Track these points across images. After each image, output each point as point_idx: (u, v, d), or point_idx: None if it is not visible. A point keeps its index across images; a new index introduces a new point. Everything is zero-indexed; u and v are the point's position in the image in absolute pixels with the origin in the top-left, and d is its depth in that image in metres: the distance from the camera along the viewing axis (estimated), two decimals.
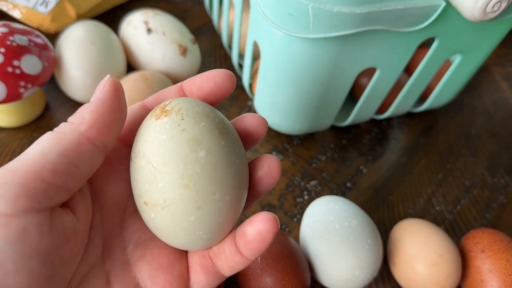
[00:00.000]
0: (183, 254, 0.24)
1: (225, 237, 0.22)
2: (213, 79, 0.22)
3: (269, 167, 0.23)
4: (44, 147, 0.18)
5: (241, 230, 0.21)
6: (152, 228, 0.22)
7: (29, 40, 0.38)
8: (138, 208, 0.22)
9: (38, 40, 0.38)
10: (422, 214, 0.40)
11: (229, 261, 0.22)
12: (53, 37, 0.44)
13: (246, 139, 0.24)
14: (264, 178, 0.23)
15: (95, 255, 0.21)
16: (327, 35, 0.30)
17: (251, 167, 0.23)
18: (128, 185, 0.23)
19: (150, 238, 0.23)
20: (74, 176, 0.19)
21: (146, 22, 0.42)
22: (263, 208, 0.39)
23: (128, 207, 0.23)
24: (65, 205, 0.20)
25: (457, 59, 0.40)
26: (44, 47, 0.39)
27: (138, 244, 0.23)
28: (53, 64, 0.39)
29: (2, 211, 0.17)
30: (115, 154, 0.23)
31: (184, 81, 0.23)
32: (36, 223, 0.17)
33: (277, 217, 0.20)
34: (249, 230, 0.20)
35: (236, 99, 0.47)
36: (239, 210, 0.22)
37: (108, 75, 0.21)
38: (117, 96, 0.20)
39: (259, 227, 0.20)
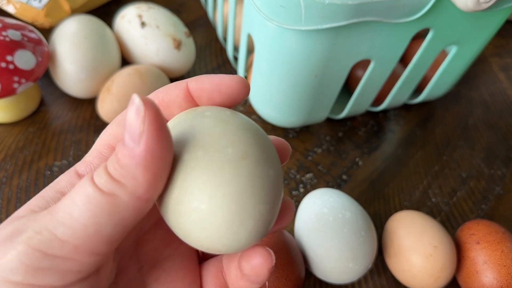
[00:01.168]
0: (198, 275, 0.23)
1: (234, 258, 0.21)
2: (225, 92, 0.19)
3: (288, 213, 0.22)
4: (97, 218, 0.15)
5: (240, 259, 0.20)
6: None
7: (23, 35, 0.37)
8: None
9: (32, 35, 0.38)
10: (418, 206, 0.40)
11: (236, 284, 0.21)
12: (47, 32, 0.44)
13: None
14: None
15: (109, 278, 0.20)
16: (319, 27, 0.30)
17: None
18: None
19: (165, 258, 0.23)
20: (121, 239, 0.17)
21: (140, 16, 0.42)
22: None
23: (142, 227, 0.22)
24: None
25: (452, 50, 0.40)
26: (38, 42, 0.39)
27: (154, 266, 0.22)
28: (47, 59, 0.39)
29: (50, 284, 0.15)
30: None
31: (190, 80, 0.20)
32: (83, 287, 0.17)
33: (272, 252, 0.19)
34: (243, 265, 0.20)
35: None
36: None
37: (137, 98, 0.15)
38: (165, 138, 0.16)
39: (252, 262, 0.19)
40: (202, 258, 0.24)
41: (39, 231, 0.15)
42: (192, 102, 0.20)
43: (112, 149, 0.20)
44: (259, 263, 0.19)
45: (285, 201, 0.22)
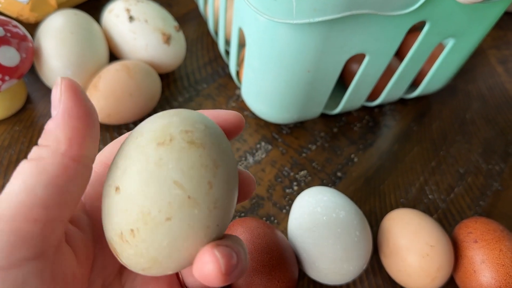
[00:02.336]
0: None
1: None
2: (222, 126, 0.21)
3: (244, 185, 0.22)
4: (27, 182, 0.16)
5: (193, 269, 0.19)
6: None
7: (6, 31, 0.36)
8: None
9: (16, 30, 0.37)
10: (415, 203, 0.39)
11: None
12: (33, 27, 0.43)
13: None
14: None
15: (68, 267, 0.19)
16: (311, 20, 0.29)
17: None
18: None
19: (150, 279, 0.22)
20: (67, 203, 0.17)
21: (128, 10, 0.41)
22: (251, 200, 0.38)
23: None
24: (67, 242, 0.18)
25: (450, 43, 0.38)
26: (22, 38, 0.37)
27: (137, 284, 0.22)
28: (32, 55, 0.38)
29: None
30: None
31: None
32: (37, 271, 0.16)
33: (218, 256, 0.18)
34: (196, 275, 0.18)
35: (224, 87, 0.45)
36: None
37: (59, 77, 0.18)
38: (80, 99, 0.18)
39: (201, 273, 0.18)
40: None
41: None
42: None
43: (106, 166, 0.22)
44: (207, 272, 0.17)
45: (245, 176, 0.22)
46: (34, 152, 0.17)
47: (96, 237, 0.21)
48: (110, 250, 0.21)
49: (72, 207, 0.18)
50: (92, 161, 0.18)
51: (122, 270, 0.22)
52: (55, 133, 0.17)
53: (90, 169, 0.18)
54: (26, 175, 0.16)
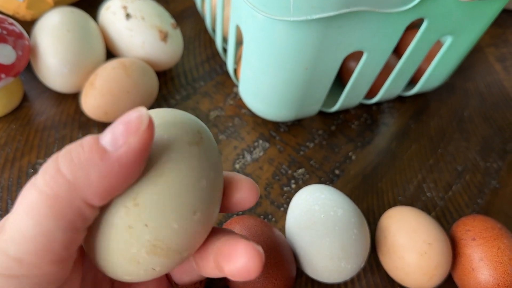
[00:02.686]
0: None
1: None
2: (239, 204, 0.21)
3: (248, 193, 0.20)
4: (44, 225, 0.14)
5: (219, 259, 0.18)
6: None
7: (2, 28, 0.36)
8: None
9: (12, 28, 0.37)
10: (412, 201, 0.39)
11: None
12: (29, 24, 0.42)
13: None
14: (240, 202, 0.21)
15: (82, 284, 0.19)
16: (309, 17, 0.29)
17: (227, 184, 0.21)
18: None
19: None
20: (80, 240, 0.16)
21: (124, 7, 0.40)
22: None
23: None
24: None
25: (448, 40, 0.38)
26: (18, 36, 0.37)
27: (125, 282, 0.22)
28: (28, 53, 0.37)
29: None
30: None
31: None
32: None
33: (261, 249, 0.17)
34: (227, 269, 0.17)
35: (222, 85, 0.45)
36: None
37: (144, 109, 0.15)
38: (145, 155, 0.15)
39: (239, 264, 0.17)
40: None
41: None
42: None
43: None
44: (243, 264, 0.17)
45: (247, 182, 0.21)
46: (51, 182, 0.15)
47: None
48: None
49: (79, 244, 0.17)
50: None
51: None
52: (88, 170, 0.14)
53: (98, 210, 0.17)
54: (42, 216, 0.14)
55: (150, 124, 0.15)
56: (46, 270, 0.15)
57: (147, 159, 0.16)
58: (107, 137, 0.15)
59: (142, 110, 0.15)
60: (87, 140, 0.15)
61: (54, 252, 0.15)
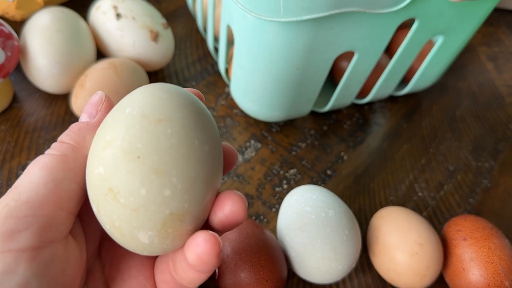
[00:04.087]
0: (152, 272, 0.23)
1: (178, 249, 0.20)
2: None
3: (232, 207, 0.19)
4: (54, 174, 0.18)
5: (185, 249, 0.19)
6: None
7: None
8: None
9: (1, 29, 0.37)
10: (404, 201, 0.39)
11: (184, 276, 0.20)
12: (19, 25, 0.42)
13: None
14: (225, 220, 0.19)
15: (76, 260, 0.20)
16: (299, 18, 0.29)
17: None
18: None
19: (122, 256, 0.23)
20: (82, 200, 0.19)
21: (115, 7, 0.40)
22: None
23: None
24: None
25: (439, 40, 0.38)
26: (7, 36, 0.37)
27: (112, 265, 0.23)
28: (17, 54, 0.37)
29: (30, 244, 0.16)
30: None
31: None
32: (60, 253, 0.18)
33: (217, 236, 0.18)
34: (188, 255, 0.18)
35: (213, 85, 0.45)
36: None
37: (101, 92, 0.21)
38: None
39: (196, 251, 0.18)
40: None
41: (6, 203, 0.17)
42: None
43: None
44: (204, 250, 0.17)
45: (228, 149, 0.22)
46: (57, 148, 0.19)
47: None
48: (90, 232, 0.22)
49: (81, 204, 0.20)
50: None
51: (100, 251, 0.23)
52: (83, 134, 0.19)
53: None
54: (53, 168, 0.18)
55: (107, 100, 0.21)
56: (52, 212, 0.17)
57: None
58: (84, 115, 0.21)
59: (100, 93, 0.21)
60: (72, 124, 0.20)
61: (60, 198, 0.18)
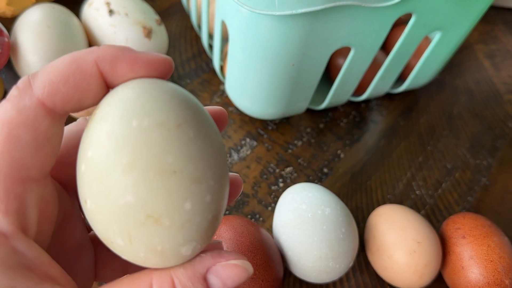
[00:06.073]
0: None
1: None
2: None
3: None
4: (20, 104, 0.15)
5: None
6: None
7: None
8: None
9: None
10: (402, 199, 0.39)
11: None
12: (10, 21, 0.41)
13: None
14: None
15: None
16: (294, 11, 0.28)
17: None
18: None
19: None
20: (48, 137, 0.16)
21: (108, 3, 0.39)
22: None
23: None
24: None
25: (436, 36, 0.38)
26: None
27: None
28: (7, 50, 0.36)
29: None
30: None
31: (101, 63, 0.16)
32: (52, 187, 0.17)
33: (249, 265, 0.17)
34: (210, 278, 0.17)
35: (208, 82, 0.44)
36: None
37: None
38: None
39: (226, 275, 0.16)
40: None
41: None
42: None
43: None
44: (230, 274, 0.16)
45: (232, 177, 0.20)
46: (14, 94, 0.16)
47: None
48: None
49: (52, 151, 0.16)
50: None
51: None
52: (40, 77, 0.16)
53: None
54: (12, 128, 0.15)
55: None
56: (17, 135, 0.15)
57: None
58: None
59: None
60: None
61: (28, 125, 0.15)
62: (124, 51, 0.16)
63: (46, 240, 0.17)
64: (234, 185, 0.21)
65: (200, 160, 0.15)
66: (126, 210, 0.15)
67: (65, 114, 0.16)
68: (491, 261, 0.30)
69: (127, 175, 0.14)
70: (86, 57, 0.16)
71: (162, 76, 0.17)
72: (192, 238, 0.16)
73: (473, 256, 0.31)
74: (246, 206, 0.37)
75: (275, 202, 0.37)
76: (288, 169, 0.39)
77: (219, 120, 0.20)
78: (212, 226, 0.16)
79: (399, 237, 0.31)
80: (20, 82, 0.15)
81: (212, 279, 0.16)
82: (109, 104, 0.16)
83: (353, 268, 0.34)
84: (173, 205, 0.15)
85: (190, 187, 0.15)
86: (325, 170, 0.40)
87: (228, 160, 0.39)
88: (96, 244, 0.21)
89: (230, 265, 0.16)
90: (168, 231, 0.15)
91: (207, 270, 0.16)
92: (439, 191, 0.40)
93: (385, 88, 0.43)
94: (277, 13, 0.28)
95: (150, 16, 0.41)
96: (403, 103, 0.47)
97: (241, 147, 0.40)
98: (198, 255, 0.17)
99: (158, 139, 0.15)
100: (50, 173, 0.18)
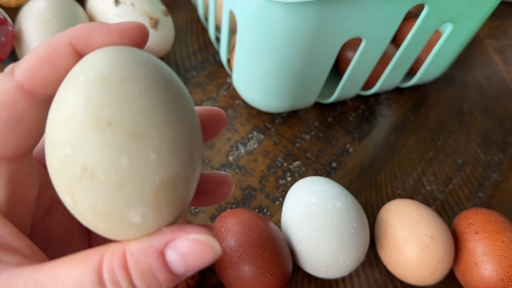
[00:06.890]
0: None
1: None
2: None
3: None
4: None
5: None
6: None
7: None
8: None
9: None
10: (412, 194, 0.38)
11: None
12: (14, 11, 0.41)
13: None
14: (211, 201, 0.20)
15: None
16: None
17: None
18: None
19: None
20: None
21: None
22: (243, 191, 0.36)
23: None
24: None
25: (448, 29, 0.37)
26: (1, 22, 0.35)
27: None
28: (11, 39, 0.36)
29: None
30: None
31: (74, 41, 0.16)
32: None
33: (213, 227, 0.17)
34: (167, 251, 0.15)
35: (214, 75, 0.44)
36: None
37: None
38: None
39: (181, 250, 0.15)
40: None
41: None
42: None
43: None
44: (191, 250, 0.14)
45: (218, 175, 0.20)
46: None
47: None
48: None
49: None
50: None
51: None
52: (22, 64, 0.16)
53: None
54: None
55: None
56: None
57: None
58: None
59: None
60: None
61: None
62: (96, 25, 0.16)
63: (24, 221, 0.17)
64: (222, 182, 0.20)
65: (141, 114, 0.15)
66: (65, 163, 0.15)
67: (48, 97, 0.16)
68: (506, 257, 0.30)
69: (66, 127, 0.14)
70: (61, 39, 0.16)
71: (137, 44, 0.16)
72: (137, 201, 0.15)
73: (486, 252, 0.30)
74: (253, 200, 0.36)
75: (283, 197, 0.36)
76: (296, 163, 0.39)
77: (214, 121, 0.20)
78: (166, 191, 0.15)
79: (411, 232, 0.30)
80: (5, 69, 0.16)
81: (171, 254, 0.14)
82: (74, 67, 0.16)
83: (362, 264, 0.34)
84: (107, 158, 0.14)
85: (127, 141, 0.14)
86: (334, 164, 0.39)
87: (235, 154, 0.38)
88: (91, 230, 0.20)
89: (192, 240, 0.14)
90: (105, 187, 0.14)
91: (166, 244, 0.15)
92: (450, 186, 0.39)
93: (395, 82, 0.43)
94: (288, 0, 0.28)
95: (157, 7, 0.40)
96: (413, 98, 0.46)
97: (248, 141, 0.39)
98: (160, 229, 0.16)
99: (98, 91, 0.14)
100: (39, 159, 0.18)
